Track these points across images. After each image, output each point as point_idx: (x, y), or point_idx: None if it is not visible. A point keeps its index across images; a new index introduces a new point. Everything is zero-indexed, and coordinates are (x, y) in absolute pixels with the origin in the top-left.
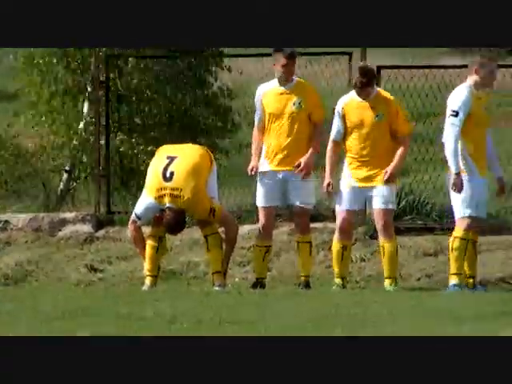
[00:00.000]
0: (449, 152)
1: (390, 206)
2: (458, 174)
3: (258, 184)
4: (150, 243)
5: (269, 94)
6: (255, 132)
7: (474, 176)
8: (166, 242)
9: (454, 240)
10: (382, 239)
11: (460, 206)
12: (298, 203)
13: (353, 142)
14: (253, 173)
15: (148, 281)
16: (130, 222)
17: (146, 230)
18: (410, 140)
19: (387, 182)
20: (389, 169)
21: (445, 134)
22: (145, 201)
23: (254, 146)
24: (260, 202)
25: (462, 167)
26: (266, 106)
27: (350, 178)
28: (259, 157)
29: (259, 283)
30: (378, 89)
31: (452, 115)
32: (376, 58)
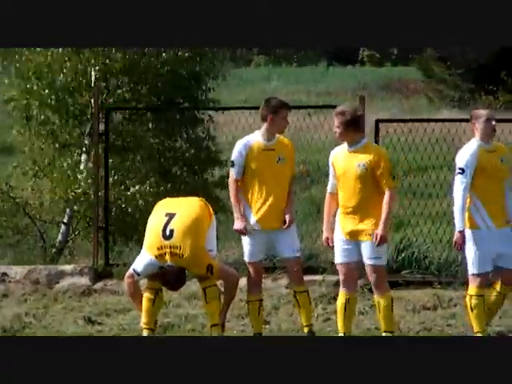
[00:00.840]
0: (456, 209)
1: (379, 262)
2: (460, 232)
3: (245, 240)
4: (146, 296)
5: (253, 149)
6: (235, 187)
7: (489, 230)
8: (163, 294)
9: (470, 299)
10: (376, 295)
11: (472, 263)
12: (290, 253)
13: (340, 193)
14: (244, 234)
15: (145, 334)
16: (126, 276)
17: (143, 282)
18: (397, 194)
19: (379, 244)
20: (378, 232)
21: (454, 191)
22: (145, 258)
23: (236, 205)
24: (248, 257)
25: (477, 222)
26: (251, 161)
27: (339, 231)
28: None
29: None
30: (367, 140)
31: (459, 173)
32: (374, 111)
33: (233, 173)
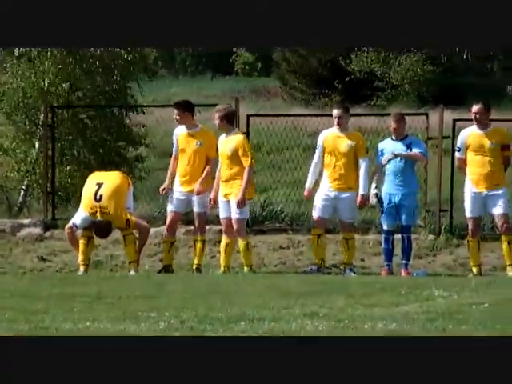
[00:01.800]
0: (309, 173)
1: (241, 216)
2: (307, 189)
3: (171, 197)
4: (82, 241)
5: (180, 136)
6: (172, 161)
7: (322, 190)
8: (94, 240)
9: (313, 237)
10: (238, 240)
11: (314, 211)
12: (200, 209)
13: (221, 168)
14: (164, 192)
15: (82, 268)
16: (66, 227)
17: (79, 231)
18: (253, 169)
19: (238, 205)
20: (238, 197)
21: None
22: (81, 215)
23: (170, 171)
24: (172, 208)
25: (320, 184)
26: (180, 144)
27: (220, 194)
28: (172, 179)
29: (166, 269)
30: (237, 130)
31: (316, 148)
32: (245, 109)
33: (173, 151)
